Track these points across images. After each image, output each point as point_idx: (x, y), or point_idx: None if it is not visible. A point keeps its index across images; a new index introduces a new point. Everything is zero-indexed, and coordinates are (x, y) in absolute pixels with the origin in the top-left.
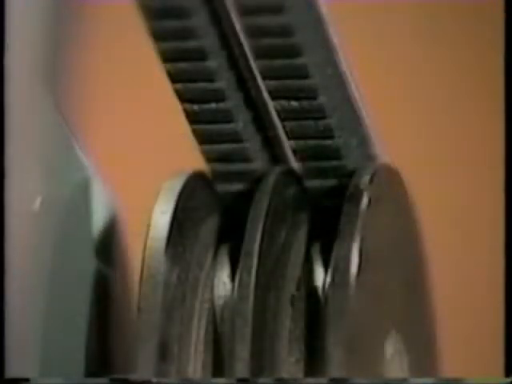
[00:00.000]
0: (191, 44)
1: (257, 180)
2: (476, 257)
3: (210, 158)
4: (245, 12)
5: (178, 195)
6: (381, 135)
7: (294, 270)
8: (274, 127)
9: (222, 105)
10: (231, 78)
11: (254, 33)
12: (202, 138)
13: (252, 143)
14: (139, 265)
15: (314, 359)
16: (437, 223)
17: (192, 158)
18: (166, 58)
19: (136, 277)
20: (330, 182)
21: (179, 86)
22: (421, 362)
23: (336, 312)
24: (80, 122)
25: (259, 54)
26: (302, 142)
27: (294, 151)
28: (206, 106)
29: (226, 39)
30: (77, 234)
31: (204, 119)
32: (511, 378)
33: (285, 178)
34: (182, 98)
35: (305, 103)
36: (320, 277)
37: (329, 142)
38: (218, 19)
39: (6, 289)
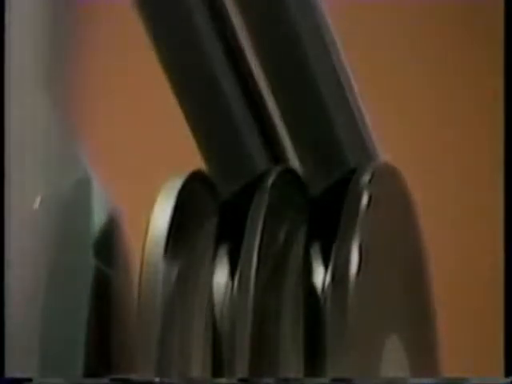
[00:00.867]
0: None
1: (256, 180)
2: (476, 257)
3: (209, 158)
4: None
5: (178, 195)
6: (381, 135)
7: (294, 270)
8: (274, 127)
9: (221, 105)
10: (231, 79)
11: (256, 33)
12: (202, 139)
13: (252, 143)
14: (139, 264)
15: (313, 359)
16: (437, 223)
17: (192, 158)
18: (166, 57)
19: (135, 276)
20: (330, 182)
21: (178, 86)
22: (421, 361)
23: (336, 311)
24: (80, 123)
25: (259, 53)
26: (301, 142)
27: (294, 151)
28: (206, 106)
29: (226, 39)
30: (76, 233)
31: (204, 119)
32: (511, 378)
33: (285, 177)
34: (182, 97)
35: (305, 103)
36: (320, 276)
37: (329, 142)
38: (215, 14)
39: (6, 289)
